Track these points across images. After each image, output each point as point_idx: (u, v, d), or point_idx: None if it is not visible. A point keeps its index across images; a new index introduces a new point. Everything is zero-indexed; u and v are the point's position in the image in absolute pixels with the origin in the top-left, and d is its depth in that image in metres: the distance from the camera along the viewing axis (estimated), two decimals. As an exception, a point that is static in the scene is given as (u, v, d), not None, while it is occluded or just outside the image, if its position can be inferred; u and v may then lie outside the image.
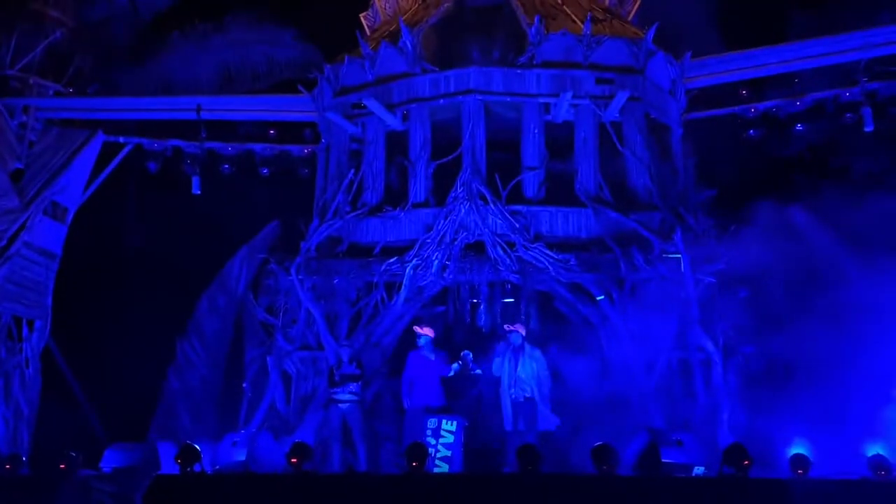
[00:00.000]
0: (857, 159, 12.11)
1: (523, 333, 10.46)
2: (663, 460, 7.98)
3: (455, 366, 11.44)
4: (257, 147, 15.14)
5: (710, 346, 11.28)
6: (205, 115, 14.54)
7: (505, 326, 10.75)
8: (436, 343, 11.20)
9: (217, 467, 9.31)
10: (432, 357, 10.77)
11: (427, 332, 10.94)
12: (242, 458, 9.08)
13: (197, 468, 8.25)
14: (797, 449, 9.37)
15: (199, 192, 14.59)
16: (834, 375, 10.80)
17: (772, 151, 13.42)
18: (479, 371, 11.60)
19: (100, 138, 14.71)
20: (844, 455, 9.62)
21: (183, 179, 14.80)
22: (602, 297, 11.41)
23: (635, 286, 11.46)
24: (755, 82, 13.65)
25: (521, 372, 10.24)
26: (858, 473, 8.95)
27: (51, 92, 14.91)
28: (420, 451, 8.09)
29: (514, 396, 10.15)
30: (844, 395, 10.25)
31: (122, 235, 15.37)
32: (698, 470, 8.53)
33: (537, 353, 10.38)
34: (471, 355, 11.63)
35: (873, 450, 9.23)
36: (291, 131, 15.22)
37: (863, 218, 11.53)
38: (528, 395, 10.16)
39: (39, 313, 14.19)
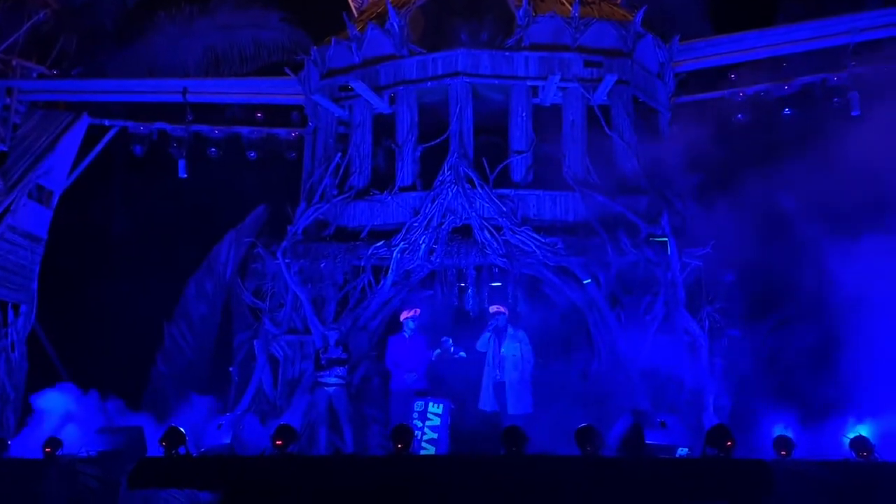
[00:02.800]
0: (843, 143, 12.10)
1: (506, 314, 10.49)
2: (647, 442, 8.02)
3: (437, 351, 11.47)
4: (244, 130, 15.07)
5: (695, 329, 11.34)
6: (191, 97, 14.45)
7: (490, 308, 10.77)
8: (422, 327, 11.22)
9: (202, 450, 9.31)
10: (407, 335, 10.76)
11: (410, 314, 10.93)
12: (227, 440, 9.07)
13: (182, 451, 8.24)
14: (781, 431, 9.49)
15: (185, 176, 14.51)
16: (821, 358, 10.92)
17: (759, 135, 13.43)
18: (462, 354, 11.64)
19: (85, 121, 14.59)
20: (828, 436, 9.74)
21: (169, 163, 14.71)
22: (588, 280, 11.43)
23: (622, 270, 11.49)
24: (743, 66, 13.63)
25: (505, 352, 10.32)
26: (841, 454, 9.04)
27: (34, 74, 14.76)
28: (405, 433, 8.11)
29: (496, 377, 10.20)
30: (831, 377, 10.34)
31: (108, 219, 15.32)
32: (682, 451, 8.59)
33: (521, 334, 10.46)
34: (450, 340, 11.67)
35: (855, 431, 9.33)
36: (279, 114, 15.15)
37: (849, 202, 11.56)
38: (502, 378, 10.23)
39: (25, 297, 14.11)
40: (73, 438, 10.43)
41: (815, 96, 13.32)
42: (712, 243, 11.64)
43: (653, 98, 12.97)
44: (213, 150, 14.96)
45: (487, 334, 10.44)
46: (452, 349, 11.78)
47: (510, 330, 10.50)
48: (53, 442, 10.12)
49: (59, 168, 14.48)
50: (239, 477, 7.97)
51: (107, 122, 14.79)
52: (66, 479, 9.70)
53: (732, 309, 11.96)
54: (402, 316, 11.20)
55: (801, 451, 9.07)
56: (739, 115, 13.75)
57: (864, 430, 9.26)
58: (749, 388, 11.63)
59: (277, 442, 8.14)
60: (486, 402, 10.30)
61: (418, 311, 11.09)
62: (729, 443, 7.62)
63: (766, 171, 12.53)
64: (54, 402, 11.82)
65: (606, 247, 11.31)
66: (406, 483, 7.64)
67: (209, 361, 15.17)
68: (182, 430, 8.35)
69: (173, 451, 8.17)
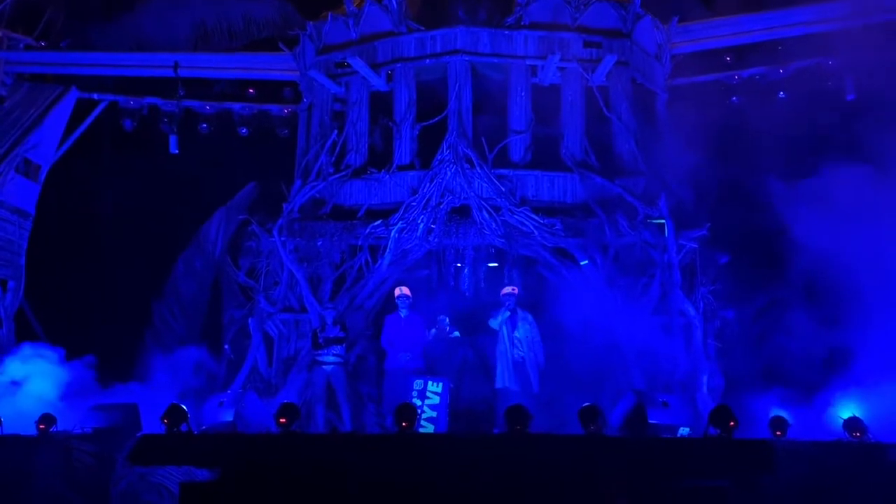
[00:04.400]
0: (838, 127, 12.19)
1: (517, 295, 10.55)
2: (650, 421, 8.10)
3: (433, 331, 11.45)
4: (236, 106, 14.93)
5: (690, 310, 11.43)
6: (182, 72, 14.24)
7: (504, 289, 10.72)
8: (418, 306, 11.17)
9: (203, 427, 9.27)
10: (403, 314, 10.74)
11: (399, 292, 10.88)
12: (230, 418, 9.03)
13: (184, 428, 8.19)
14: (776, 411, 9.61)
15: (176, 152, 14.32)
16: (806, 344, 11.06)
17: (755, 118, 13.48)
18: (457, 333, 11.64)
19: (73, 94, 14.34)
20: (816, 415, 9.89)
21: (159, 138, 14.52)
22: (586, 261, 11.47)
23: (619, 251, 11.54)
24: (739, 49, 13.68)
25: (518, 333, 10.36)
26: (829, 433, 9.19)
27: (21, 45, 14.44)
28: (409, 412, 8.10)
29: (514, 356, 10.26)
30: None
31: (97, 194, 15.06)
32: (683, 431, 8.68)
33: (529, 316, 10.48)
34: (447, 319, 11.66)
35: (848, 412, 9.47)
36: (271, 90, 15.00)
37: (842, 185, 11.66)
38: (520, 358, 10.27)
39: (13, 273, 13.91)
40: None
41: (809, 80, 13.38)
42: (708, 225, 11.72)
43: (650, 79, 12.98)
44: (205, 125, 14.79)
45: (507, 313, 10.35)
46: (448, 328, 11.77)
47: (519, 312, 10.48)
48: (47, 419, 10.03)
49: (48, 142, 14.24)
50: (241, 454, 7.94)
51: (96, 96, 14.56)
52: (61, 456, 9.61)
53: (726, 290, 12.08)
54: (395, 293, 11.14)
55: (792, 431, 9.19)
56: (734, 98, 13.81)
57: (855, 410, 9.39)
58: (740, 369, 11.78)
59: (281, 420, 8.11)
60: (503, 380, 10.26)
61: (406, 289, 11.00)
62: (731, 423, 7.70)
63: (760, 154, 12.61)
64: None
65: (604, 228, 11.36)
66: (409, 461, 7.66)
67: (198, 339, 15.05)
68: (184, 406, 8.29)
69: (175, 429, 8.11)
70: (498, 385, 10.27)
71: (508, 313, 10.35)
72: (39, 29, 14.64)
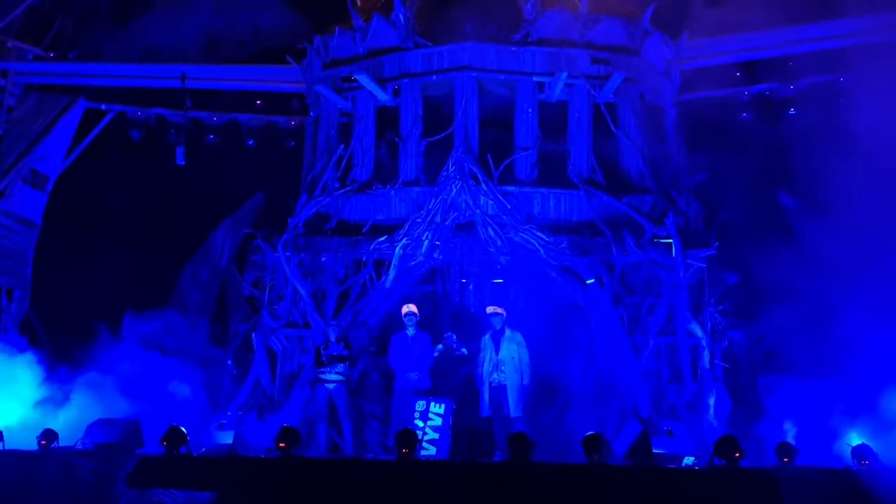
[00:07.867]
0: (848, 144, 12.03)
1: (504, 315, 10.37)
2: (654, 450, 7.99)
3: (439, 347, 11.36)
4: (243, 117, 14.95)
5: (698, 330, 11.30)
6: (190, 83, 14.23)
7: (487, 309, 10.62)
8: (423, 323, 11.09)
9: (203, 450, 9.20)
10: (410, 332, 10.63)
11: (406, 310, 10.78)
12: (229, 440, 8.96)
13: (183, 450, 8.14)
14: (782, 437, 9.50)
15: (183, 164, 14.31)
16: (820, 362, 10.89)
17: (764, 135, 13.35)
18: (464, 351, 11.53)
19: (81, 105, 14.38)
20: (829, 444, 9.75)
21: (166, 148, 14.52)
22: (592, 280, 11.35)
23: (625, 270, 11.42)
24: (749, 65, 13.56)
25: (503, 355, 10.20)
26: (842, 462, 9.06)
27: (30, 56, 14.48)
28: (410, 438, 8.03)
29: (493, 381, 10.11)
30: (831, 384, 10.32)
31: (104, 205, 15.08)
32: (688, 461, 8.57)
33: (519, 336, 10.31)
34: (454, 336, 11.55)
35: (857, 440, 9.35)
36: (278, 102, 15.01)
37: (851, 203, 11.52)
38: (502, 381, 10.10)
39: (19, 283, 13.95)
40: None
41: (820, 97, 13.23)
42: (717, 244, 11.58)
43: (659, 96, 12.85)
44: (212, 136, 14.81)
45: (486, 338, 10.25)
46: (455, 345, 11.67)
47: (507, 332, 10.31)
48: (49, 434, 10.01)
49: (55, 152, 14.29)
50: (239, 478, 7.90)
51: (103, 107, 14.61)
52: (62, 472, 9.57)
53: (734, 310, 11.95)
54: (402, 311, 11.04)
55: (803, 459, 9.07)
56: (744, 114, 13.68)
57: (865, 439, 9.26)
58: (748, 389, 11.65)
59: (281, 444, 8.04)
60: (486, 408, 10.15)
61: (413, 307, 10.88)
62: (737, 454, 7.59)
63: (770, 172, 12.48)
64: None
65: (611, 247, 11.23)
66: (409, 487, 7.59)
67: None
68: (184, 429, 8.24)
69: (174, 451, 8.06)
70: (481, 412, 10.10)
71: (486, 338, 10.20)
72: (48, 40, 14.69)
